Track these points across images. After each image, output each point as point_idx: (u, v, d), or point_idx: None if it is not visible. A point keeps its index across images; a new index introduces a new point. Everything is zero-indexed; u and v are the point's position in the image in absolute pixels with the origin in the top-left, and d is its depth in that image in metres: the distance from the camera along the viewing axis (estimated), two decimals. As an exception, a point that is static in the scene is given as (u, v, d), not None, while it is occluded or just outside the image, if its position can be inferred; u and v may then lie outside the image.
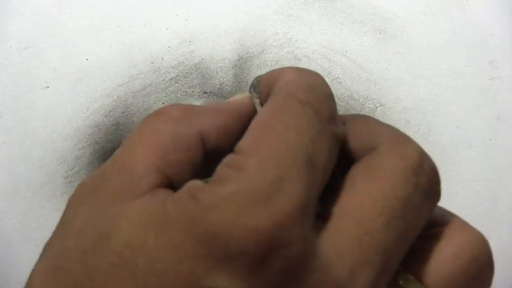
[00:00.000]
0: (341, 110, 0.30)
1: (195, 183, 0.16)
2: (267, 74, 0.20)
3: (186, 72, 0.30)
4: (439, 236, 0.18)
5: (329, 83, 0.30)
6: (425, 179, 0.18)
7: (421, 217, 0.18)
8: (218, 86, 0.29)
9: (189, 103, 0.30)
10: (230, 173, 0.16)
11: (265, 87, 0.20)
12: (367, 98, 0.30)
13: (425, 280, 0.18)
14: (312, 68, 0.30)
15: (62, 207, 0.31)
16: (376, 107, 0.30)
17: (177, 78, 0.30)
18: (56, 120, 0.30)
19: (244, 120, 0.20)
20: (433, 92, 0.30)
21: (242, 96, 0.21)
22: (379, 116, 0.30)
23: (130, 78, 0.30)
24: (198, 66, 0.30)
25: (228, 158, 0.17)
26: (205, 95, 0.30)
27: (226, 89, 0.29)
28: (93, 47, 0.30)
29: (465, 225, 0.19)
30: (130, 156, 0.18)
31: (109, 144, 0.30)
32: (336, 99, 0.30)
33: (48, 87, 0.30)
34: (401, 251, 0.17)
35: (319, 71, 0.30)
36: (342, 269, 0.16)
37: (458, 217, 0.20)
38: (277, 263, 0.15)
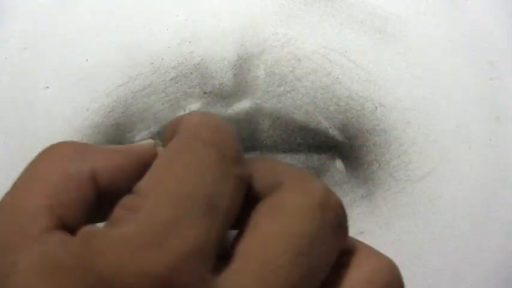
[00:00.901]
0: (341, 110, 0.30)
1: (89, 228, 0.16)
2: (172, 120, 0.20)
3: (186, 73, 0.30)
4: (349, 264, 0.18)
5: (329, 84, 0.31)
6: (332, 214, 0.17)
7: (329, 252, 0.17)
8: (218, 86, 0.30)
9: (189, 103, 0.30)
10: (124, 215, 0.16)
11: (169, 132, 0.19)
12: (366, 98, 0.30)
13: None
14: (311, 69, 0.30)
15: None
16: (376, 107, 0.30)
17: (177, 78, 0.30)
18: (56, 121, 0.30)
19: (143, 165, 0.19)
20: (433, 93, 0.30)
21: (144, 142, 0.20)
22: (379, 116, 0.30)
23: (130, 78, 0.30)
24: (197, 66, 0.30)
25: (124, 199, 0.16)
26: (205, 95, 0.30)
27: (226, 89, 0.29)
28: (93, 47, 0.30)
29: (374, 252, 0.19)
30: (20, 196, 0.18)
31: (109, 145, 0.30)
32: (336, 100, 0.30)
33: (48, 87, 0.30)
34: (310, 286, 0.17)
35: (319, 71, 0.30)
36: None
37: (366, 245, 0.20)
38: None
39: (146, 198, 0.16)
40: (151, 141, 0.21)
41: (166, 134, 0.20)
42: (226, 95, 0.30)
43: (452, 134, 0.30)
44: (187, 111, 0.30)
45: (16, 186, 0.19)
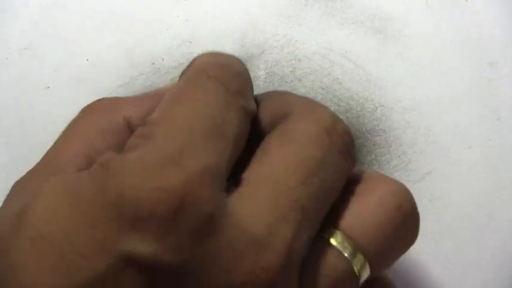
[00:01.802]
0: (341, 110, 0.30)
1: (108, 155, 0.17)
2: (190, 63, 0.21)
3: (187, 73, 0.30)
4: (362, 190, 0.19)
5: (329, 84, 0.31)
6: (339, 139, 0.18)
7: (338, 175, 0.18)
8: (218, 87, 0.30)
9: None
10: (139, 142, 0.16)
11: (184, 72, 0.20)
12: (367, 98, 0.30)
13: (351, 232, 0.18)
14: (312, 69, 0.30)
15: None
16: (376, 108, 0.30)
17: (178, 78, 0.30)
18: (57, 121, 0.30)
19: None
20: (433, 93, 0.30)
21: (168, 85, 0.22)
22: (379, 116, 0.30)
23: (131, 78, 0.30)
24: (198, 66, 0.30)
25: (139, 129, 0.17)
26: (205, 95, 0.30)
27: (227, 90, 0.29)
28: (93, 47, 0.30)
29: (385, 177, 0.20)
30: (58, 150, 0.19)
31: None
32: (336, 100, 0.31)
33: (48, 87, 0.30)
34: (320, 208, 0.17)
35: (319, 72, 0.30)
36: (259, 227, 0.16)
37: (378, 172, 0.21)
38: (187, 221, 0.15)
39: (159, 126, 0.17)
40: (174, 83, 0.22)
41: (182, 74, 0.21)
42: (226, 96, 0.30)
43: (452, 134, 0.30)
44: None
45: (56, 142, 0.20)
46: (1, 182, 0.30)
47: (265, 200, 0.16)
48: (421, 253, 0.30)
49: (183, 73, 0.21)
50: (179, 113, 0.17)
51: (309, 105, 0.19)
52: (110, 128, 0.19)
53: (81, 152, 0.19)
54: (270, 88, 0.30)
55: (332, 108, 0.30)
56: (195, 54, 0.30)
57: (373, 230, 0.18)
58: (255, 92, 0.30)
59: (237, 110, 0.18)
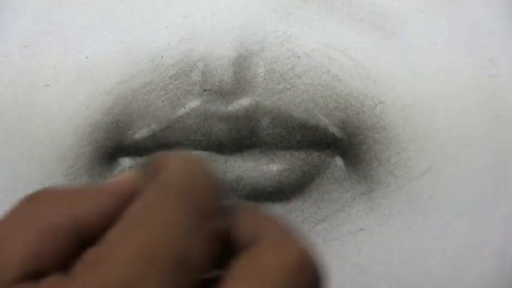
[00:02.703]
0: (340, 108, 0.30)
1: (50, 280, 0.16)
2: (157, 156, 0.19)
3: (186, 70, 0.30)
4: None
5: (328, 81, 0.31)
6: (305, 280, 0.17)
7: None
8: (218, 84, 0.30)
9: (188, 101, 0.30)
10: (86, 268, 0.15)
11: (152, 169, 0.19)
12: (366, 95, 0.30)
13: None
14: (311, 66, 0.30)
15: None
16: (376, 105, 0.30)
17: (177, 76, 0.30)
18: (56, 119, 0.30)
19: (123, 202, 0.18)
20: (432, 90, 0.30)
21: (124, 177, 0.20)
22: (378, 113, 0.30)
23: (130, 76, 0.30)
24: (197, 64, 0.30)
25: (91, 250, 0.16)
26: (205, 92, 0.30)
27: (226, 87, 0.30)
28: (92, 45, 0.30)
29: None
30: None
31: (109, 142, 0.30)
32: (335, 97, 0.31)
33: (48, 85, 0.30)
34: None
35: (319, 69, 0.30)
36: None
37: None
38: None
39: (111, 249, 0.15)
40: (131, 174, 0.20)
41: (150, 169, 0.19)
42: (226, 93, 0.30)
43: (452, 131, 0.30)
44: (187, 109, 0.30)
45: None
46: (1, 180, 0.30)
47: None
48: (421, 250, 0.30)
49: (151, 167, 0.19)
50: (138, 236, 0.15)
51: (281, 233, 0.18)
52: (57, 229, 0.17)
53: (23, 253, 0.17)
54: (270, 85, 0.30)
55: (331, 105, 0.30)
56: (194, 51, 0.30)
57: None
58: (255, 90, 0.30)
59: (207, 235, 0.16)
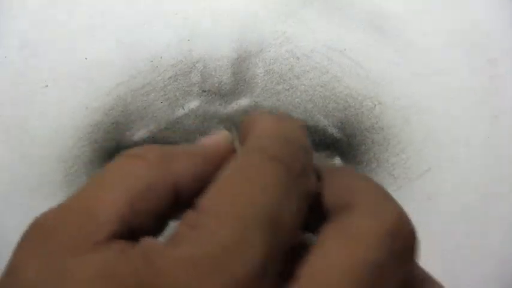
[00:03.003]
0: (340, 108, 0.30)
1: (151, 243, 0.16)
2: (249, 117, 0.19)
3: (185, 71, 0.30)
4: None
5: (327, 81, 0.31)
6: (402, 244, 0.17)
7: (393, 282, 0.17)
8: (217, 85, 0.30)
9: (187, 101, 0.30)
10: (187, 233, 0.15)
11: (243, 131, 0.19)
12: (365, 96, 0.30)
13: None
14: (310, 67, 0.30)
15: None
16: (375, 105, 0.30)
17: (176, 76, 0.30)
18: (55, 119, 0.30)
19: (220, 163, 0.18)
20: (432, 90, 0.30)
21: (220, 137, 0.20)
22: (377, 114, 0.30)
23: (130, 76, 0.30)
24: (196, 64, 0.30)
25: (187, 216, 0.16)
26: (204, 93, 0.30)
27: (225, 87, 0.29)
28: (92, 46, 0.30)
29: (439, 285, 0.19)
30: (95, 198, 0.17)
31: (108, 143, 0.30)
32: (334, 98, 0.30)
33: (47, 86, 0.30)
34: None
35: (318, 69, 0.30)
36: None
37: (433, 279, 0.20)
38: None
39: (209, 216, 0.16)
40: (226, 134, 0.20)
41: (241, 132, 0.19)
42: (225, 93, 0.30)
43: (451, 132, 0.30)
44: (186, 110, 0.30)
45: (92, 184, 0.18)
46: (0, 180, 0.30)
47: None
48: (419, 251, 0.30)
49: (242, 129, 0.19)
50: (232, 202, 0.16)
51: (376, 198, 0.18)
52: (156, 189, 0.17)
53: (120, 210, 0.17)
54: (269, 86, 0.30)
55: (330, 106, 0.30)
56: (194, 52, 0.30)
57: None
58: (254, 91, 0.30)
59: (297, 196, 0.17)
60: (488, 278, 0.30)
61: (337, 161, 0.31)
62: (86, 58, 0.30)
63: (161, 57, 0.30)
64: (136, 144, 0.30)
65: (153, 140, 0.30)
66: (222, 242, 0.15)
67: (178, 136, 0.30)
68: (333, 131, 0.30)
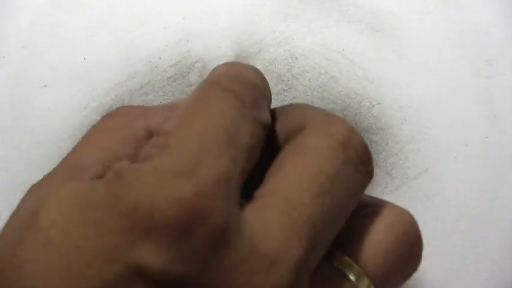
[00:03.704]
0: (338, 109, 0.30)
1: (123, 163, 0.17)
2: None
3: (184, 71, 0.30)
4: (371, 215, 0.19)
5: (326, 82, 0.31)
6: (354, 154, 0.18)
7: (352, 193, 0.18)
8: (215, 85, 0.30)
9: None
10: (153, 152, 0.16)
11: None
12: (363, 96, 0.30)
13: (360, 259, 0.18)
14: (309, 67, 0.30)
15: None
16: (373, 105, 0.30)
17: (175, 77, 0.30)
18: (54, 119, 0.30)
19: None
20: (430, 90, 0.30)
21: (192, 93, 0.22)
22: (375, 114, 0.30)
23: (128, 77, 0.30)
24: (195, 65, 0.30)
25: (153, 139, 0.17)
26: (202, 93, 0.30)
27: (224, 88, 0.30)
28: (90, 46, 0.30)
29: (393, 205, 0.20)
30: (77, 153, 0.19)
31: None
32: (333, 98, 0.31)
33: (45, 86, 0.30)
34: (332, 226, 0.17)
35: (316, 70, 0.30)
36: (271, 243, 0.16)
37: (385, 200, 0.21)
38: (200, 233, 0.15)
39: (173, 136, 0.17)
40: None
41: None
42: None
43: (449, 131, 0.30)
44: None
45: (77, 146, 0.20)
46: (-1, 180, 0.30)
47: (277, 216, 0.16)
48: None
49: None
50: (193, 123, 0.17)
51: (325, 117, 0.19)
52: (132, 136, 0.19)
53: (101, 158, 0.19)
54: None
55: (329, 107, 0.30)
56: (192, 53, 0.30)
57: (380, 256, 0.18)
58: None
59: (250, 122, 0.18)
60: (488, 278, 0.30)
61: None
62: (84, 58, 0.30)
63: (160, 58, 0.30)
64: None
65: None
66: (186, 154, 0.16)
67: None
68: (331, 131, 0.30)
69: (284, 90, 0.30)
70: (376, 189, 0.30)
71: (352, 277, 0.18)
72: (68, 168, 0.19)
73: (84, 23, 0.31)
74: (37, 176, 0.30)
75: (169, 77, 0.30)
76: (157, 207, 0.15)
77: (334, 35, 0.30)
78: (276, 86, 0.30)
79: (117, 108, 0.21)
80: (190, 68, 0.30)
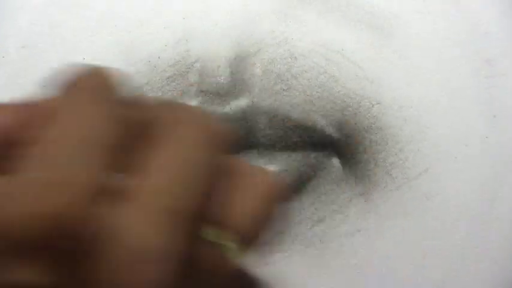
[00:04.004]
0: (337, 108, 0.30)
1: None
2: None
3: (183, 71, 0.30)
4: (238, 182, 0.19)
5: (325, 82, 0.31)
6: (214, 139, 0.19)
7: (211, 171, 0.18)
8: (215, 85, 0.30)
9: (185, 102, 0.30)
10: (13, 164, 0.16)
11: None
12: (363, 96, 0.30)
13: (231, 224, 0.18)
14: (308, 67, 0.30)
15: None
16: (373, 105, 0.30)
17: (174, 77, 0.30)
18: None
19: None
20: (430, 90, 0.30)
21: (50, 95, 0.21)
22: (375, 114, 0.30)
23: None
24: (194, 65, 0.30)
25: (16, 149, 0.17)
26: (202, 93, 0.30)
27: (223, 88, 0.30)
28: (90, 46, 0.30)
29: (257, 168, 0.21)
30: None
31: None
32: (332, 98, 0.31)
33: (45, 86, 0.30)
34: (196, 208, 0.18)
35: (316, 69, 0.30)
36: (138, 239, 0.16)
37: (246, 162, 0.21)
38: (67, 245, 0.15)
39: (32, 145, 0.17)
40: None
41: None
42: (223, 93, 0.30)
43: (449, 132, 0.30)
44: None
45: None
46: None
47: (144, 212, 0.17)
48: (419, 250, 0.30)
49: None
50: (53, 131, 0.17)
51: (188, 114, 0.20)
52: None
53: None
54: (267, 86, 0.30)
55: (328, 106, 0.30)
56: (192, 52, 0.30)
57: (252, 223, 0.19)
58: (252, 91, 0.30)
59: (108, 118, 0.18)
60: (488, 278, 0.30)
61: (336, 161, 0.31)
62: (83, 58, 0.30)
63: (159, 58, 0.30)
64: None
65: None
66: (45, 163, 0.16)
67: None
68: (331, 131, 0.30)
69: (283, 89, 0.30)
70: (376, 189, 0.30)
71: (223, 244, 0.18)
72: None
73: (84, 23, 0.31)
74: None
75: (168, 77, 0.30)
76: (12, 224, 0.15)
77: (333, 35, 0.30)
78: (275, 86, 0.30)
79: None
80: (190, 68, 0.30)
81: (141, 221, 0.16)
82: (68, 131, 0.17)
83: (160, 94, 0.30)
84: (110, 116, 0.18)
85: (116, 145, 0.17)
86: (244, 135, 0.30)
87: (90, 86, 0.19)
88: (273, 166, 0.30)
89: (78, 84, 0.19)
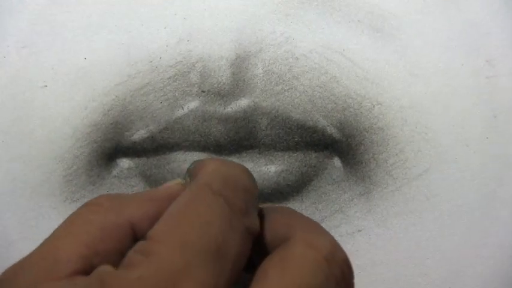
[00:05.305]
0: (338, 109, 0.30)
1: (105, 268, 0.17)
2: (199, 161, 0.21)
3: (184, 71, 0.30)
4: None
5: (326, 82, 0.31)
6: (338, 269, 0.18)
7: None
8: (216, 85, 0.30)
9: (187, 102, 0.30)
10: (138, 259, 0.16)
11: (193, 175, 0.21)
12: (364, 96, 0.30)
13: None
14: (309, 67, 0.30)
15: (60, 205, 0.31)
16: (374, 106, 0.30)
17: (175, 77, 0.30)
18: (54, 119, 0.30)
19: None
20: (430, 91, 0.31)
21: (173, 183, 0.22)
22: (376, 114, 0.30)
23: (129, 77, 0.30)
24: (196, 65, 0.30)
25: (138, 244, 0.17)
26: (203, 93, 0.30)
27: (224, 88, 0.30)
28: (91, 46, 0.30)
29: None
30: (56, 245, 0.18)
31: (107, 143, 0.30)
32: (333, 98, 0.31)
33: (46, 86, 0.30)
34: None
35: (317, 70, 0.30)
36: None
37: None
38: None
39: (159, 243, 0.17)
40: (178, 180, 0.22)
41: (191, 174, 0.21)
42: (224, 94, 0.30)
43: (450, 132, 0.30)
44: (185, 110, 0.30)
45: (54, 235, 0.19)
46: (-1, 180, 0.30)
47: None
48: (419, 251, 0.30)
49: (191, 174, 0.21)
50: (180, 231, 0.17)
51: (311, 229, 0.20)
52: (113, 230, 0.19)
53: (80, 251, 0.18)
54: (268, 86, 0.30)
55: (329, 106, 0.30)
56: (193, 53, 0.30)
57: None
58: (253, 91, 0.30)
59: (239, 230, 0.18)
60: (488, 278, 0.30)
61: (337, 161, 0.31)
62: (85, 58, 0.30)
63: (160, 58, 0.30)
64: (135, 144, 0.30)
65: (152, 140, 0.30)
66: (171, 265, 0.16)
67: (177, 136, 0.30)
68: (332, 131, 0.30)
69: (284, 90, 0.30)
70: (377, 190, 0.30)
71: None
72: (46, 257, 0.18)
73: (84, 23, 0.31)
74: (37, 176, 0.30)
75: (169, 77, 0.30)
76: None
77: (334, 35, 0.30)
78: (276, 86, 0.30)
79: (98, 197, 0.21)
80: (191, 68, 0.30)
81: None
82: (191, 233, 0.17)
83: (161, 94, 0.30)
84: (234, 226, 0.18)
85: (239, 257, 0.17)
86: (246, 136, 0.30)
87: (218, 189, 0.18)
88: (274, 166, 0.30)
89: (204, 180, 0.19)
